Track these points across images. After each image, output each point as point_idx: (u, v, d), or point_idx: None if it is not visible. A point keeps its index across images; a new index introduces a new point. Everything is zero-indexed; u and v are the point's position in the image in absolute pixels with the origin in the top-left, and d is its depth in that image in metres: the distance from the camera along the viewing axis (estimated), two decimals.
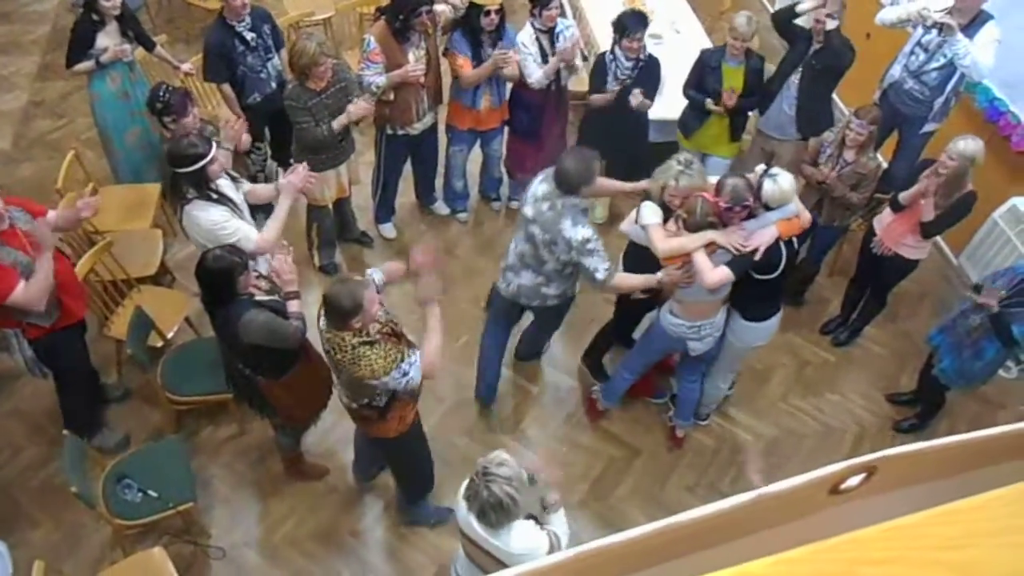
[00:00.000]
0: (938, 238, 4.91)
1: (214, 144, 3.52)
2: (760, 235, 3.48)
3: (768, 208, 3.52)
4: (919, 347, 4.73)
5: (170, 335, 4.27)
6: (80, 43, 4.69)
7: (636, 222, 3.76)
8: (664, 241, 3.58)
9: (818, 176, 4.40)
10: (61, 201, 4.21)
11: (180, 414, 4.29)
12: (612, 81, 4.71)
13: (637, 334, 4.38)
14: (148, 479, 3.57)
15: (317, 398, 3.72)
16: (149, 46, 5.05)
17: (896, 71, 4.92)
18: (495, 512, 2.56)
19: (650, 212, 3.68)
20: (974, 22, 4.51)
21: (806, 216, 3.69)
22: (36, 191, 5.50)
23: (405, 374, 3.00)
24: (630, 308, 4.32)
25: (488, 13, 4.46)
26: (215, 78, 4.71)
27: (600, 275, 3.62)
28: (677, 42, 5.88)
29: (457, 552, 3.04)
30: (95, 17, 4.64)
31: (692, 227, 3.51)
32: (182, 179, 3.48)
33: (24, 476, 4.13)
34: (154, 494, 3.53)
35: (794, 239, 3.64)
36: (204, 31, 6.57)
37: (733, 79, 4.64)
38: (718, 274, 3.47)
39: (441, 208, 5.59)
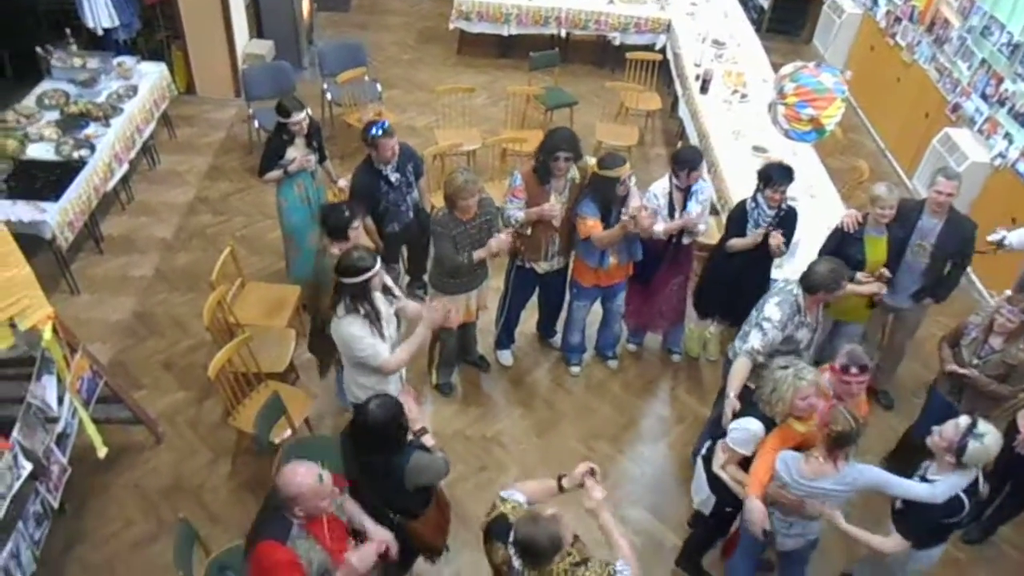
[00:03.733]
0: None
1: (379, 261, 3.72)
2: None
3: (961, 464, 3.31)
4: None
5: (298, 425, 4.44)
6: (272, 155, 5.18)
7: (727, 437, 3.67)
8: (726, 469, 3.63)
9: (956, 369, 4.21)
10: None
11: None
12: (752, 228, 4.75)
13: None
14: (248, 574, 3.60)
15: (447, 521, 3.74)
16: (322, 158, 5.49)
17: None
18: None
19: (742, 438, 3.57)
20: None
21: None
22: (189, 279, 5.96)
23: None
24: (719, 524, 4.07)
25: (622, 182, 4.55)
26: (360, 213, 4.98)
27: (746, 345, 4.01)
28: (811, 207, 5.89)
29: None
30: (285, 137, 5.14)
31: (834, 440, 3.32)
32: (344, 288, 3.67)
33: (131, 551, 4.25)
34: None
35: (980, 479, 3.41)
36: (357, 150, 7.13)
37: (875, 249, 4.58)
38: (894, 545, 3.43)
39: (559, 342, 5.64)
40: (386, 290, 3.92)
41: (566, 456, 4.86)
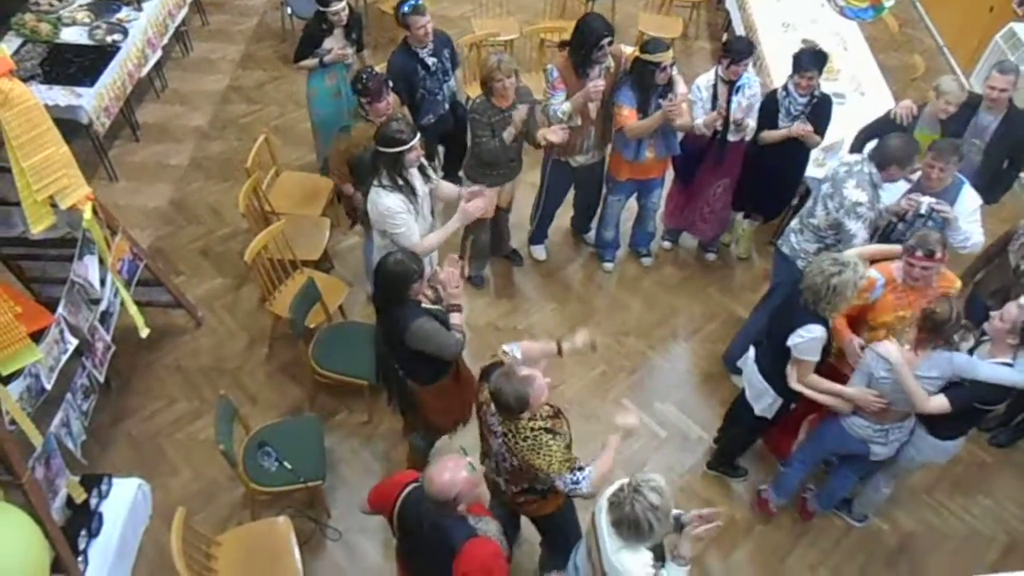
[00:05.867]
0: None
1: (417, 135, 3.70)
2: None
3: None
4: None
5: (332, 311, 4.55)
6: (308, 43, 5.06)
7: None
8: (803, 381, 3.54)
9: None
10: None
11: (317, 393, 4.50)
12: (784, 117, 4.61)
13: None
14: (286, 451, 3.75)
15: (461, 409, 3.79)
16: (359, 48, 5.36)
17: None
18: (628, 528, 2.56)
19: (811, 347, 3.45)
20: None
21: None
22: (224, 168, 5.98)
23: (576, 482, 2.92)
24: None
25: (663, 68, 4.38)
26: None
27: (857, 241, 3.90)
28: (860, 104, 5.67)
29: (580, 543, 3.06)
30: (324, 26, 5.01)
31: (927, 320, 3.28)
32: (381, 158, 3.68)
33: (173, 427, 4.44)
34: (289, 466, 3.70)
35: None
36: (391, 40, 6.97)
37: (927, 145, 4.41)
38: (936, 404, 3.33)
39: (593, 238, 5.60)
40: (422, 169, 3.90)
41: (598, 351, 4.88)
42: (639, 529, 2.55)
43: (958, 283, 3.72)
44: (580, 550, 3.03)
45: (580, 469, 2.94)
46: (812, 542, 4.17)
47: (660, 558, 2.73)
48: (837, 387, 3.54)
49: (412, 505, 2.73)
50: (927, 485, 4.43)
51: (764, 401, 3.83)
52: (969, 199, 3.99)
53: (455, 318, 3.44)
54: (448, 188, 4.14)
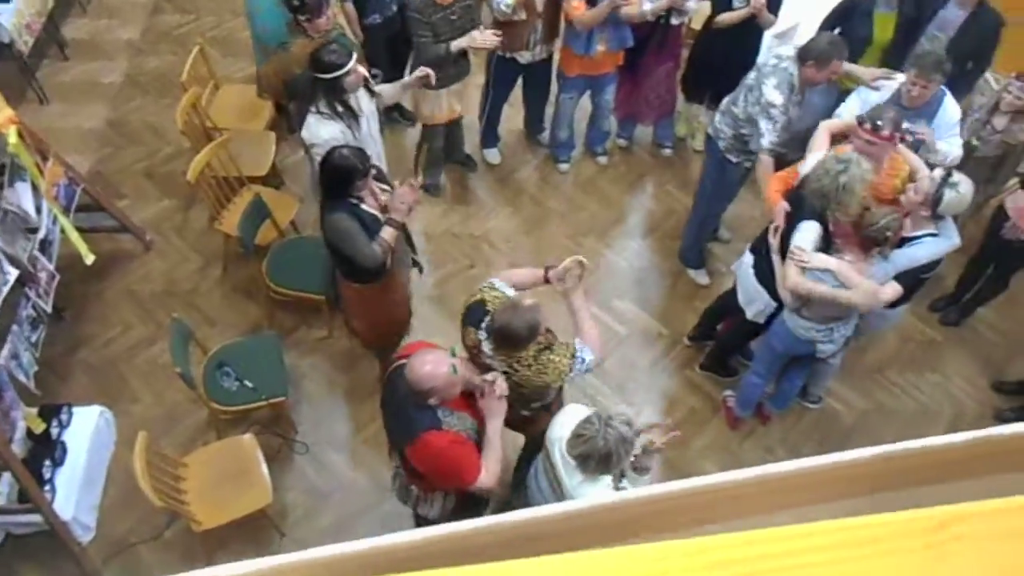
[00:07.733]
0: None
1: (354, 56, 3.53)
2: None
3: (936, 215, 3.26)
4: None
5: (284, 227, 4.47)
6: None
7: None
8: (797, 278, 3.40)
9: None
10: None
11: (275, 311, 4.46)
12: None
13: None
14: (246, 370, 3.73)
15: (388, 329, 3.79)
16: None
17: None
18: (598, 462, 2.59)
19: (803, 236, 3.38)
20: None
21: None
22: (161, 84, 5.72)
23: (582, 361, 2.93)
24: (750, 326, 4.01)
25: None
26: None
27: (764, 142, 3.87)
28: None
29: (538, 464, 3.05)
30: None
31: (855, 225, 3.24)
32: (318, 84, 3.52)
33: (131, 353, 4.39)
34: (250, 384, 3.70)
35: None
36: None
37: (885, 28, 4.29)
38: (891, 292, 3.31)
39: (547, 139, 5.50)
40: (365, 83, 3.74)
41: (555, 252, 4.87)
42: (608, 462, 2.58)
43: (906, 169, 3.68)
44: (539, 475, 2.98)
45: (575, 355, 2.94)
46: (770, 425, 4.30)
47: (617, 474, 2.79)
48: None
49: (396, 378, 2.78)
50: (879, 365, 4.56)
51: (756, 306, 3.82)
52: (951, 111, 3.84)
53: (385, 233, 3.33)
54: (390, 90, 4.04)
